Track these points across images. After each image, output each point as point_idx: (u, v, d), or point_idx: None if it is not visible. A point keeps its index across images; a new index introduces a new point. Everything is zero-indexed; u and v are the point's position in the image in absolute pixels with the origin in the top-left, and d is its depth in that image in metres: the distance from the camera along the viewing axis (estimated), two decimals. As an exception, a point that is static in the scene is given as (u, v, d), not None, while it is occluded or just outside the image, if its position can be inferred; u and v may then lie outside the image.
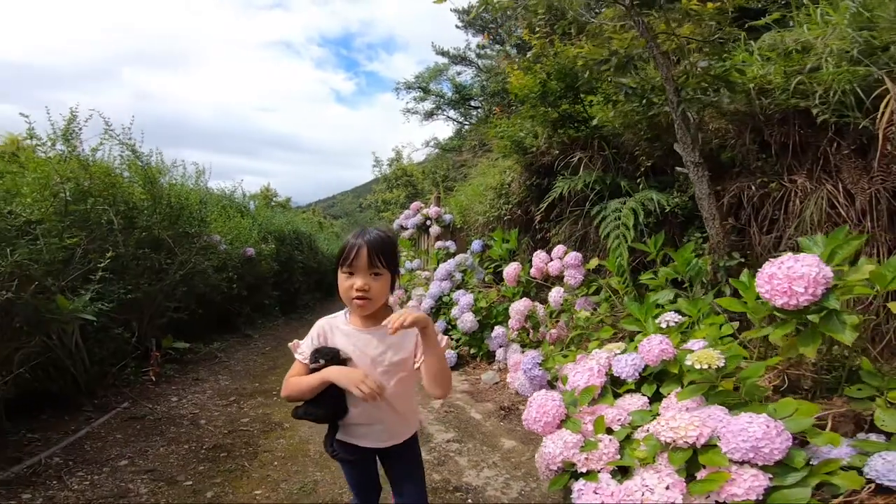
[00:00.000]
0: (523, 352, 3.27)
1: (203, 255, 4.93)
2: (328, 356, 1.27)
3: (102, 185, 3.56)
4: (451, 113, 17.09)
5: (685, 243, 3.04)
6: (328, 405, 1.29)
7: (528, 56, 4.56)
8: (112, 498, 2.09)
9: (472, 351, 4.29)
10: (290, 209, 19.74)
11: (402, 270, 6.32)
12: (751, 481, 1.30)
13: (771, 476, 1.33)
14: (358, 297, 1.25)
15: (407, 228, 6.87)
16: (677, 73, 3.28)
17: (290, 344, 1.38)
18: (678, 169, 3.07)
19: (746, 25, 4.26)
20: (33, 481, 2.18)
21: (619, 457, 1.54)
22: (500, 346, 3.88)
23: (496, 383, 3.69)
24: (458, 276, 4.88)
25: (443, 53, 15.75)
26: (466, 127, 15.41)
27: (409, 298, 5.54)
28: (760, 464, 1.32)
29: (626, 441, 1.62)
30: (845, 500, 1.41)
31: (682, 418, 1.40)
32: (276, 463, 2.54)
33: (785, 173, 3.13)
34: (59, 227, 2.81)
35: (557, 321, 3.30)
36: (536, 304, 3.47)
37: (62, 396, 3.13)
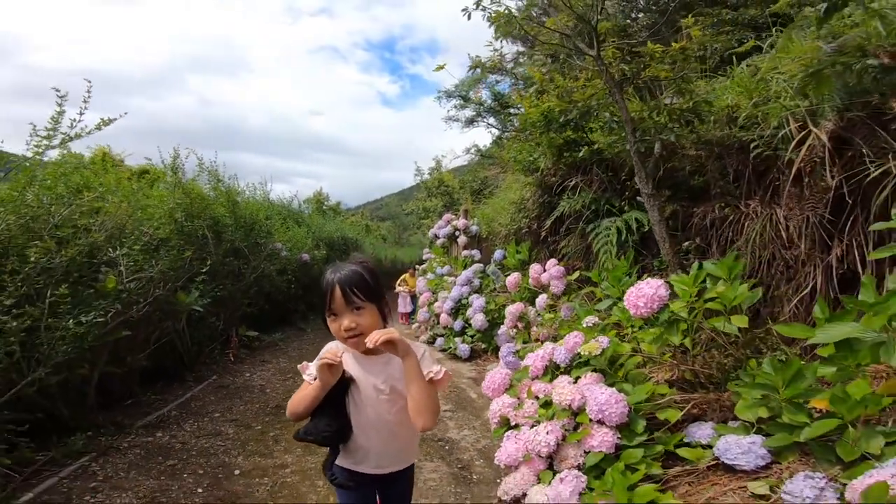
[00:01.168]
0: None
1: (269, 261, 6.03)
2: None
3: (200, 208, 4.69)
4: (491, 120, 17.76)
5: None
6: (328, 423, 1.25)
7: (530, 91, 5.27)
8: (211, 436, 3.08)
9: (483, 346, 5.07)
10: (340, 213, 21.27)
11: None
12: (602, 437, 2.01)
13: (619, 436, 2.02)
14: (349, 337, 1.22)
15: (439, 238, 7.73)
16: (650, 108, 3.89)
17: (299, 366, 1.35)
18: (638, 198, 3.70)
19: (727, 53, 4.79)
20: (161, 426, 3.21)
21: (536, 415, 2.29)
22: (504, 342, 4.63)
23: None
24: (477, 281, 5.67)
25: (479, 66, 16.37)
26: (505, 134, 16.03)
27: (436, 300, 6.39)
28: (609, 424, 2.01)
29: (545, 405, 2.36)
30: (688, 468, 2.05)
31: (567, 389, 2.14)
32: (320, 420, 3.48)
33: (742, 198, 3.65)
34: (178, 243, 3.89)
35: (551, 321, 4.01)
36: (529, 307, 4.20)
37: (172, 369, 4.24)
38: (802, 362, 2.00)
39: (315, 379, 1.23)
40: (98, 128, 3.01)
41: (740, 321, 2.20)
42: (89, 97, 2.91)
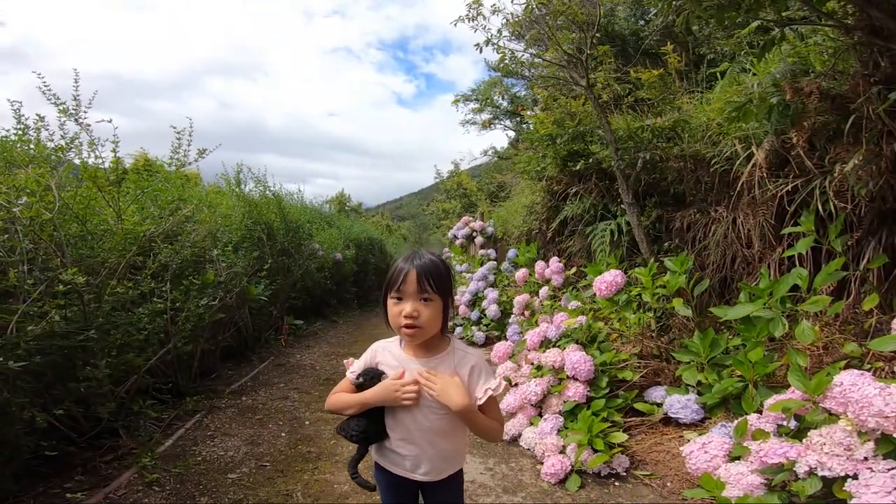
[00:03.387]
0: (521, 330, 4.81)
1: (310, 260, 6.96)
2: (369, 376, 1.25)
3: (258, 214, 5.63)
4: (507, 122, 18.43)
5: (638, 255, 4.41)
6: (357, 424, 1.24)
7: (536, 110, 6.01)
8: (282, 399, 3.97)
9: (497, 333, 5.87)
10: (362, 213, 22.30)
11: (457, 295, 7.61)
12: (576, 389, 2.81)
13: (589, 390, 2.80)
14: (407, 326, 1.16)
15: (458, 238, 8.54)
16: (635, 127, 4.60)
17: (345, 361, 1.39)
18: (622, 205, 4.44)
19: (707, 73, 5.46)
20: (243, 392, 4.11)
21: (530, 375, 3.10)
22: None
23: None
24: (492, 277, 6.48)
25: (495, 69, 17.09)
26: (520, 137, 16.65)
27: (455, 293, 7.23)
28: (580, 379, 2.81)
29: (538, 369, 3.16)
30: (645, 421, 2.81)
31: (552, 354, 2.94)
32: (364, 388, 4.35)
33: (712, 205, 4.34)
34: (249, 244, 4.85)
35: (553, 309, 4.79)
36: (535, 297, 4.99)
37: (237, 350, 5.17)
38: (715, 334, 2.77)
39: (358, 378, 1.25)
40: (198, 157, 3.96)
41: (677, 303, 2.97)
42: (189, 141, 3.88)
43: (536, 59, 4.94)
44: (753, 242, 3.85)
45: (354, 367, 1.34)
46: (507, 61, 4.39)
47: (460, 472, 1.34)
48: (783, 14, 2.89)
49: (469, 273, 7.69)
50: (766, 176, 3.54)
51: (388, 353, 1.30)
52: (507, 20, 4.35)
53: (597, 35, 4.40)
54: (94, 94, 3.15)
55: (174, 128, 3.76)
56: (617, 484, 2.24)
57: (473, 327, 6.14)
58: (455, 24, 4.21)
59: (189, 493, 2.33)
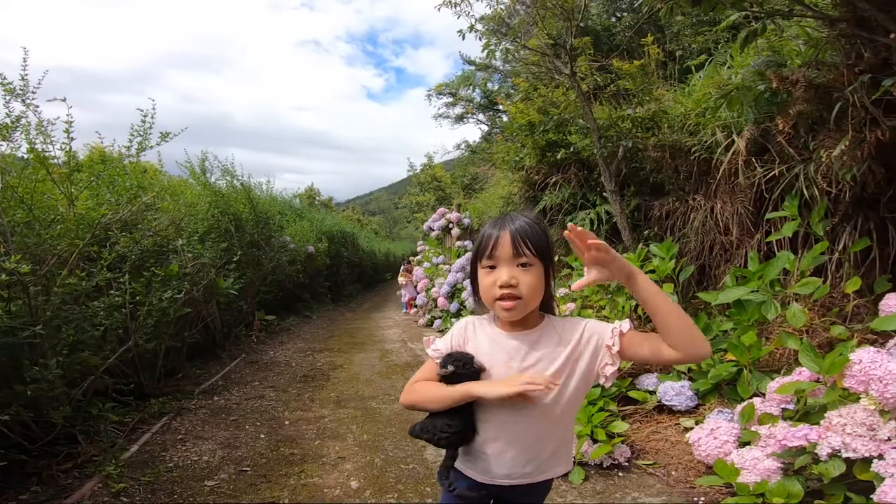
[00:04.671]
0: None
1: (281, 253, 6.67)
2: (461, 362, 1.01)
3: (225, 205, 5.32)
4: (480, 116, 18.41)
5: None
6: (448, 423, 1.01)
7: (516, 100, 5.94)
8: (257, 399, 3.74)
9: (478, 323, 5.80)
10: (332, 208, 21.89)
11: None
12: None
13: None
14: (504, 297, 0.95)
15: (434, 230, 8.41)
16: (616, 117, 4.58)
17: (424, 338, 1.17)
18: (601, 195, 4.42)
19: (685, 65, 5.48)
20: (214, 392, 3.85)
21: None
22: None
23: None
24: (469, 268, 6.38)
25: (470, 62, 17.06)
26: (495, 130, 16.71)
27: (433, 286, 7.10)
28: None
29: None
30: (639, 409, 2.76)
31: None
32: (340, 383, 4.18)
33: (690, 193, 4.38)
34: (216, 235, 4.56)
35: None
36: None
37: (205, 348, 4.88)
38: (709, 318, 2.76)
39: (446, 366, 1.01)
40: (161, 141, 3.65)
41: (667, 289, 2.95)
42: (151, 124, 3.56)
43: (521, 48, 4.85)
44: (731, 229, 3.89)
45: (438, 345, 1.09)
46: (491, 47, 4.26)
47: (552, 482, 1.10)
48: (765, 7, 2.90)
49: (446, 265, 7.58)
50: (743, 164, 3.56)
51: (482, 332, 1.07)
52: (492, 6, 4.24)
53: (579, 24, 4.34)
54: (44, 74, 2.84)
55: (140, 110, 3.44)
56: (621, 475, 2.18)
57: (453, 319, 6.03)
58: (438, 9, 4.06)
59: (161, 504, 2.12)
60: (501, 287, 0.95)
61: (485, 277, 0.99)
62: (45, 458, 2.40)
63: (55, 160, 2.95)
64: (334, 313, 9.39)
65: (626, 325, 0.97)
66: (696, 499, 1.87)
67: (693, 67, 4.92)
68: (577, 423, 2.32)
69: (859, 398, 1.43)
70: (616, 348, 0.94)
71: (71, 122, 2.85)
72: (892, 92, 2.19)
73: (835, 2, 2.70)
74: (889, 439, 1.29)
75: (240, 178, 6.13)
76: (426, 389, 1.03)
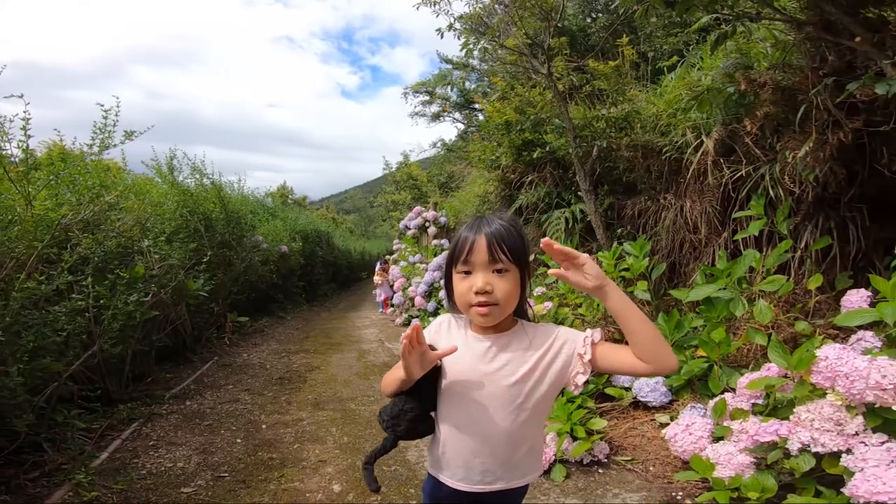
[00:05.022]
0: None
1: (254, 253, 6.51)
2: None
3: (194, 204, 5.15)
4: (457, 115, 18.41)
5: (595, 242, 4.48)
6: (400, 405, 1.01)
7: (493, 98, 5.97)
8: (232, 402, 3.64)
9: (455, 322, 5.80)
10: (306, 206, 21.53)
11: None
12: None
13: None
14: (479, 303, 0.94)
15: (410, 228, 8.37)
16: (591, 117, 4.65)
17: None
18: (576, 193, 4.49)
19: (658, 66, 5.60)
20: (186, 396, 3.72)
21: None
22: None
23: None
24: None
25: (447, 61, 17.03)
26: (471, 129, 16.74)
27: (410, 285, 7.06)
28: None
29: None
30: (616, 405, 2.82)
31: None
32: (317, 385, 4.11)
33: (661, 193, 4.48)
34: (184, 235, 4.40)
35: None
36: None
37: (174, 351, 4.71)
38: (680, 315, 2.83)
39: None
40: (125, 139, 3.51)
41: (642, 287, 3.02)
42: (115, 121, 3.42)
43: (499, 47, 4.86)
44: (700, 228, 3.99)
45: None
46: (470, 46, 4.27)
47: (527, 488, 1.08)
48: (736, 10, 2.99)
49: (423, 264, 7.56)
50: (712, 165, 3.66)
51: (454, 330, 1.07)
52: (471, 5, 4.24)
53: (558, 24, 4.38)
54: (-1, 69, 2.68)
55: (101, 105, 3.29)
56: (601, 471, 2.22)
57: (431, 318, 6.03)
58: (417, 8, 4.03)
59: (134, 513, 2.04)
60: (477, 293, 0.94)
61: (460, 283, 0.98)
62: (12, 468, 2.30)
63: (12, 158, 2.79)
64: (309, 313, 9.24)
65: (598, 334, 0.97)
66: (674, 494, 1.92)
67: (665, 69, 5.05)
68: (557, 420, 2.35)
69: (826, 394, 1.50)
70: (588, 357, 0.94)
71: (28, 119, 2.71)
72: (855, 95, 2.28)
73: (802, 5, 2.79)
74: (856, 434, 1.36)
75: (210, 176, 5.96)
76: (388, 374, 1.05)
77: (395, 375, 1.01)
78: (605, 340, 0.98)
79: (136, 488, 2.24)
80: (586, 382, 0.97)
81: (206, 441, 2.85)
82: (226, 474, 2.39)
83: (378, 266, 9.72)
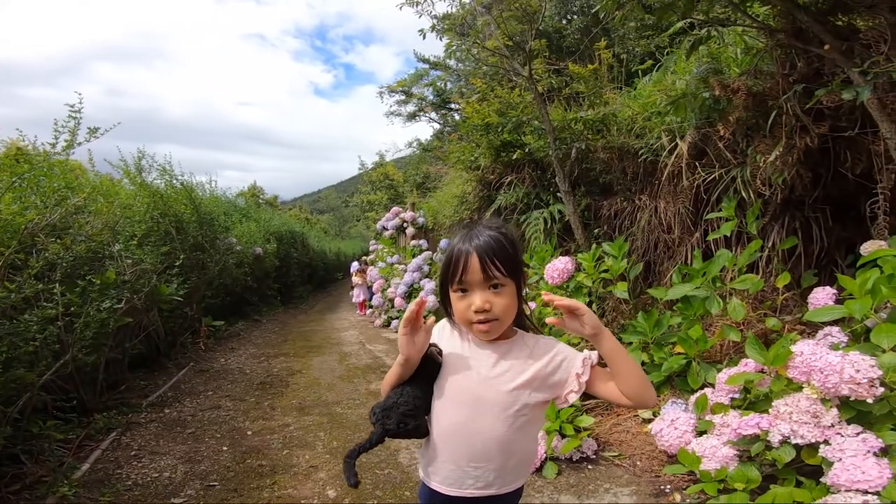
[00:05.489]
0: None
1: (227, 255, 6.35)
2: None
3: (164, 206, 4.99)
4: (433, 115, 18.39)
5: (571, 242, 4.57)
6: (393, 398, 1.00)
7: (472, 99, 6.01)
8: (213, 409, 3.55)
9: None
10: (277, 206, 21.09)
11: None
12: None
13: None
14: (480, 321, 0.96)
15: (387, 229, 8.34)
16: (569, 119, 4.74)
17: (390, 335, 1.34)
18: (555, 194, 4.58)
19: (633, 69, 5.74)
20: (164, 404, 3.61)
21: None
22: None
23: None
24: (426, 268, 6.40)
25: (424, 60, 17.00)
26: (447, 129, 16.76)
27: (389, 286, 7.04)
28: None
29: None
30: (599, 403, 2.88)
31: None
32: (300, 389, 4.06)
33: (636, 194, 4.61)
34: (155, 240, 4.27)
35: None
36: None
37: (148, 358, 4.56)
38: (659, 314, 2.93)
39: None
40: (89, 138, 3.37)
41: (622, 287, 3.11)
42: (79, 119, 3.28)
43: (481, 48, 4.89)
44: (674, 228, 4.11)
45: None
46: (453, 48, 4.29)
47: (522, 489, 1.09)
48: (710, 15, 3.11)
49: (402, 264, 7.55)
50: (685, 167, 3.79)
51: (454, 334, 1.07)
52: (454, 6, 4.26)
53: (538, 27, 4.45)
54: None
55: (68, 105, 3.16)
56: (590, 467, 2.28)
57: (411, 319, 6.04)
58: (400, 8, 4.02)
59: (122, 527, 1.98)
60: (477, 312, 0.95)
61: (458, 302, 0.98)
62: (-7, 481, 2.20)
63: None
64: (286, 316, 9.08)
65: (595, 356, 0.99)
66: (662, 487, 2.00)
67: (640, 72, 5.19)
68: (546, 419, 2.41)
69: (802, 387, 1.59)
70: (584, 378, 0.97)
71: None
72: (822, 101, 2.41)
73: (774, 13, 2.92)
74: (832, 426, 1.45)
75: (179, 177, 5.78)
76: (389, 372, 1.05)
77: (393, 370, 1.02)
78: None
79: (124, 500, 2.18)
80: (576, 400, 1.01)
81: (190, 449, 2.78)
82: (216, 483, 2.34)
83: (356, 267, 9.64)
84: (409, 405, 0.99)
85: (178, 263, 4.34)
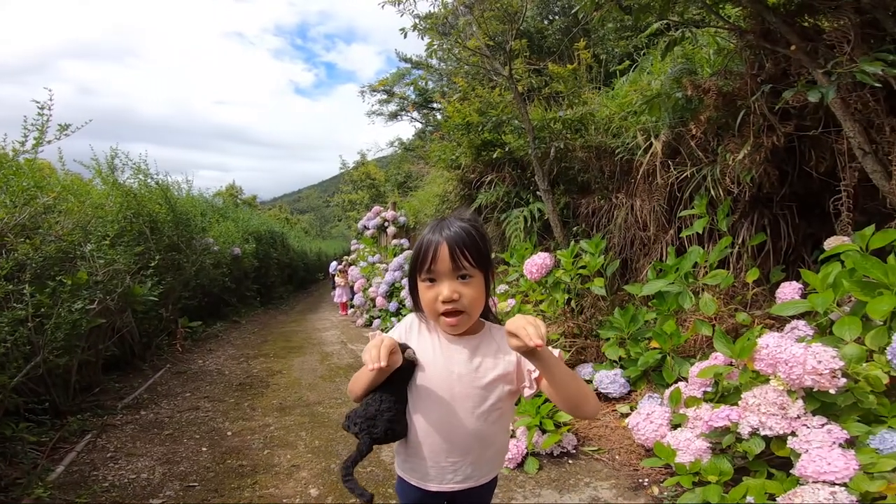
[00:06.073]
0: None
1: (205, 255, 6.23)
2: (403, 348, 0.98)
3: (138, 206, 4.87)
4: (415, 114, 18.33)
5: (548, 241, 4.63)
6: (374, 406, 0.98)
7: (454, 99, 6.02)
8: (191, 410, 3.49)
9: (418, 321, 5.83)
10: (256, 206, 20.75)
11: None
12: None
13: None
14: (447, 312, 0.95)
15: (369, 228, 8.29)
16: (549, 119, 4.80)
17: (370, 334, 1.13)
18: (535, 193, 4.63)
19: (611, 70, 5.83)
20: (140, 406, 3.54)
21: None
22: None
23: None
24: (407, 267, 6.39)
25: (406, 60, 16.93)
26: (429, 128, 16.72)
27: (370, 285, 7.01)
28: None
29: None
30: None
31: None
32: (280, 389, 4.02)
33: (613, 192, 4.69)
34: (129, 240, 4.17)
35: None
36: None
37: (122, 360, 4.46)
38: (635, 309, 3.01)
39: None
40: (60, 135, 3.28)
41: (599, 283, 3.17)
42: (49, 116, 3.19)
43: (462, 48, 4.91)
44: (649, 226, 4.18)
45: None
46: (434, 47, 4.30)
47: (496, 478, 1.12)
48: (685, 17, 3.19)
49: (383, 264, 7.53)
50: (660, 166, 3.88)
51: (423, 332, 1.06)
52: (437, 6, 4.27)
53: (520, 27, 4.49)
54: None
55: (36, 102, 3.07)
56: (571, 462, 2.33)
57: (393, 318, 6.02)
58: (382, 6, 4.01)
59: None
60: (444, 302, 0.94)
61: (426, 292, 0.98)
62: (-34, 484, 2.14)
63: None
64: (265, 317, 8.96)
65: (556, 353, 0.96)
66: (640, 480, 2.06)
67: (618, 72, 5.28)
68: (527, 415, 2.44)
69: (769, 379, 1.66)
70: (535, 374, 0.98)
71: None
72: (788, 101, 2.49)
73: (745, 14, 3.01)
74: (798, 417, 1.52)
75: (154, 176, 5.64)
76: (356, 374, 1.03)
77: (363, 377, 0.99)
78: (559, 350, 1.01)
79: (102, 501, 2.14)
80: (536, 395, 1.02)
81: (168, 451, 2.73)
82: (195, 484, 2.31)
83: (338, 267, 9.58)
84: (392, 411, 0.98)
85: (152, 264, 4.25)
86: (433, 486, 1.02)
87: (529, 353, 0.87)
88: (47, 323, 2.76)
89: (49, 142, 3.38)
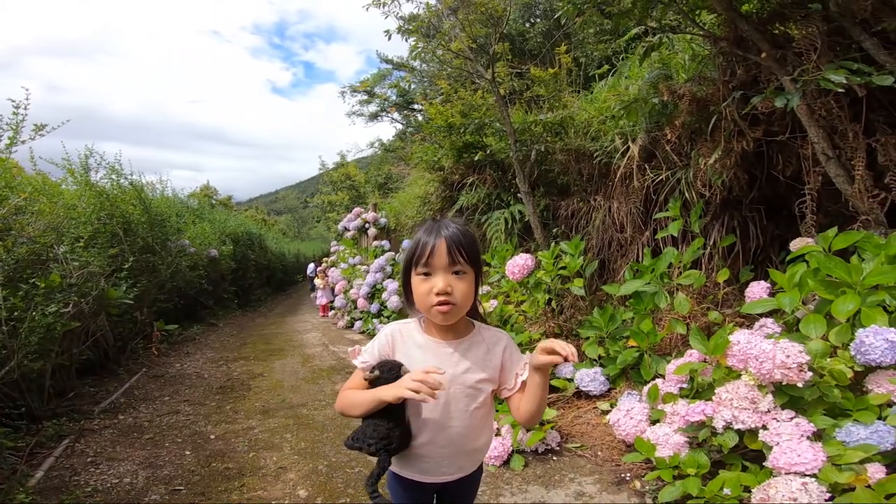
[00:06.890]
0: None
1: (180, 257, 6.11)
2: (387, 367, 1.04)
3: (111, 207, 4.75)
4: (395, 115, 18.28)
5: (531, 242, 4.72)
6: (375, 429, 1.02)
7: (436, 101, 6.06)
8: (172, 414, 3.43)
9: (400, 322, 5.86)
10: (232, 207, 20.37)
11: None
12: None
13: None
14: (440, 303, 1.01)
15: (349, 230, 8.26)
16: (530, 122, 4.88)
17: (350, 349, 1.17)
18: (518, 194, 4.71)
19: (590, 73, 5.94)
20: (118, 410, 3.45)
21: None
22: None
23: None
24: (389, 268, 6.40)
25: (387, 61, 16.86)
26: (409, 129, 16.70)
27: (351, 287, 6.99)
28: None
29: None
30: (561, 396, 3.00)
31: None
32: (263, 392, 3.99)
33: (592, 194, 4.80)
34: (102, 242, 4.07)
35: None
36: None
37: (97, 364, 4.34)
38: (613, 309, 3.10)
39: (373, 371, 1.04)
40: (35, 135, 3.19)
41: (578, 284, 3.26)
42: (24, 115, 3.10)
43: (446, 50, 4.94)
44: (626, 227, 4.29)
45: (364, 356, 1.10)
46: (419, 49, 4.33)
47: (482, 466, 1.21)
48: (663, 22, 3.30)
49: (364, 266, 7.51)
50: (636, 169, 3.99)
51: (411, 341, 1.10)
52: (421, 8, 4.30)
53: (503, 31, 4.55)
54: None
55: (11, 101, 2.99)
56: (555, 459, 2.39)
57: (374, 320, 6.02)
58: (367, 9, 4.02)
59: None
60: (438, 294, 1.00)
61: (420, 285, 1.03)
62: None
63: None
64: (243, 319, 8.82)
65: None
66: (623, 475, 2.14)
67: (597, 76, 5.40)
68: (509, 412, 2.50)
69: (741, 375, 1.75)
70: (522, 377, 1.06)
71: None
72: (757, 107, 2.60)
73: (719, 21, 3.13)
74: (768, 411, 1.61)
75: (128, 176, 5.51)
76: (350, 396, 1.07)
77: (365, 398, 1.02)
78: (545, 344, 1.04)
79: (85, 507, 2.09)
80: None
81: (150, 455, 2.69)
82: (181, 487, 2.29)
83: (313, 269, 9.50)
84: (400, 426, 1.04)
85: (126, 266, 4.16)
86: (428, 479, 1.09)
87: (542, 368, 0.99)
88: (21, 327, 2.69)
89: (23, 141, 3.28)
